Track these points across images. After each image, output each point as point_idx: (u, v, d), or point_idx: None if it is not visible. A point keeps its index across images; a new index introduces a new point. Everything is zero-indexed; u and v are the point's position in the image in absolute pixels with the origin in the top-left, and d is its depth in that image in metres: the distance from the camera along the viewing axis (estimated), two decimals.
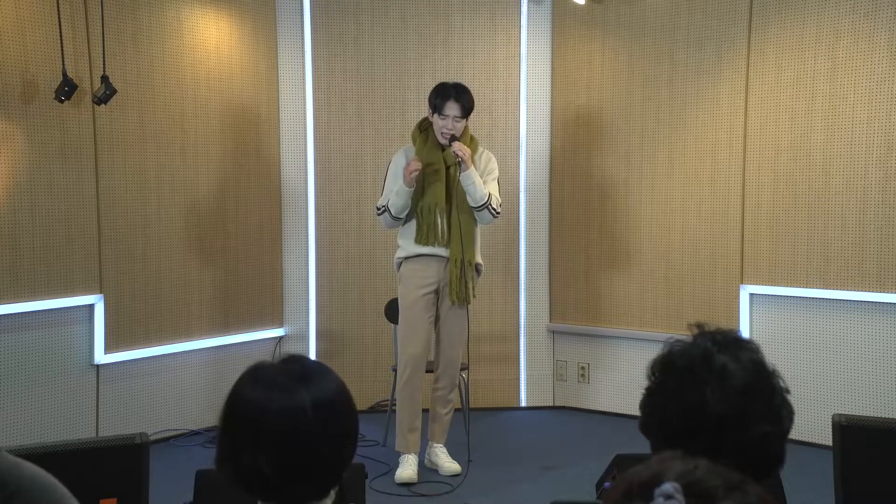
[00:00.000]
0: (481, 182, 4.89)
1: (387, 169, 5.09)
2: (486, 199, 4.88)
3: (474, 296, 5.03)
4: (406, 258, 5.02)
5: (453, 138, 4.86)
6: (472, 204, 4.89)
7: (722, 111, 5.75)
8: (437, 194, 4.92)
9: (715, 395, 1.54)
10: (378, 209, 5.04)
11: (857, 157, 5.28)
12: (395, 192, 4.89)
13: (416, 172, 4.83)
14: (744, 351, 1.59)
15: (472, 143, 4.98)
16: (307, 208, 6.27)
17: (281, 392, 1.59)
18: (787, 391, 1.60)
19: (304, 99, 6.25)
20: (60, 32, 4.96)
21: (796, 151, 5.48)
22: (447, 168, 4.92)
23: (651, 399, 1.62)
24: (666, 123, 5.98)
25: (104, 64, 5.12)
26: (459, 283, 4.91)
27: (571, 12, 6.26)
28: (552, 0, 6.34)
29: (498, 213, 4.97)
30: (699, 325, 1.64)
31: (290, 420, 1.58)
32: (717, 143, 5.78)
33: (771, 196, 5.58)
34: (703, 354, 1.58)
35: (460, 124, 4.90)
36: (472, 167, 4.86)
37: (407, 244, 5.01)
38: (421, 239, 4.95)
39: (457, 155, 4.81)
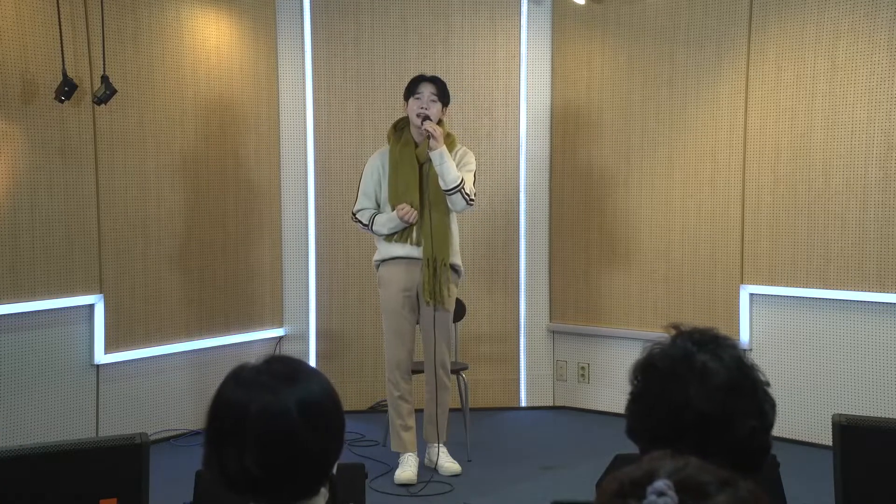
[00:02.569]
0: (453, 163, 4.83)
1: (362, 172, 5.09)
2: (458, 182, 4.82)
3: (449, 296, 4.98)
4: (383, 261, 5.01)
5: (426, 118, 4.81)
6: (444, 187, 4.82)
7: (722, 111, 5.75)
8: (411, 192, 4.89)
9: (698, 394, 1.55)
10: (354, 215, 5.03)
11: (857, 157, 5.28)
12: (387, 224, 4.90)
13: (409, 216, 4.83)
14: (723, 348, 1.60)
15: (449, 139, 4.93)
16: (307, 208, 6.27)
17: (263, 392, 1.60)
18: (768, 384, 1.61)
19: (304, 99, 6.25)
20: (60, 32, 4.96)
21: (796, 151, 5.48)
22: (420, 166, 4.91)
23: (635, 403, 1.63)
24: (666, 123, 5.98)
25: (104, 64, 5.12)
26: (433, 282, 4.89)
27: (571, 12, 6.26)
28: (552, 0, 6.34)
29: (472, 200, 4.91)
30: (676, 326, 1.65)
31: (273, 420, 1.58)
32: (717, 143, 5.78)
33: (771, 196, 5.58)
34: (683, 355, 1.59)
35: (436, 106, 4.87)
36: (444, 146, 4.81)
37: (383, 245, 5.00)
38: (396, 236, 4.94)
39: (426, 131, 4.78)
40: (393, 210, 4.92)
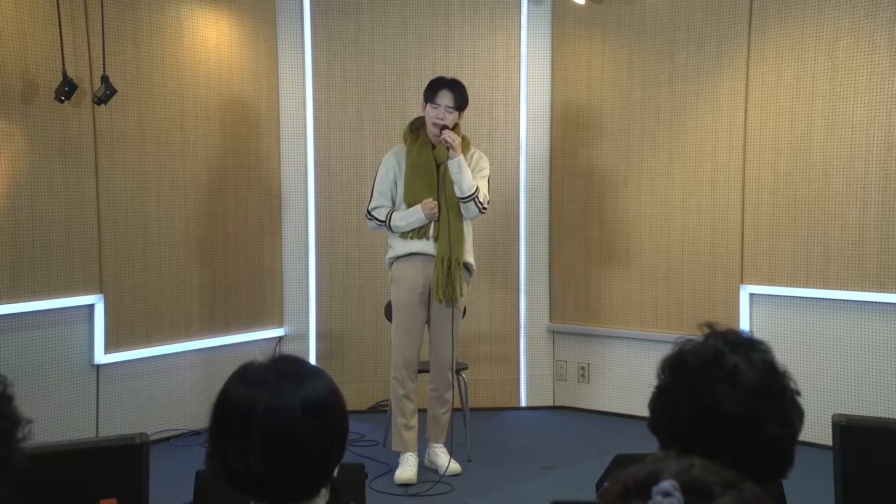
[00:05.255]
0: (469, 172, 4.89)
1: (376, 171, 5.11)
2: (473, 191, 4.88)
3: (462, 295, 5.00)
4: (397, 258, 5.03)
5: (444, 128, 4.87)
6: (459, 195, 4.87)
7: (722, 111, 5.75)
8: (428, 192, 4.93)
9: (726, 395, 1.54)
10: (368, 214, 5.05)
11: (857, 157, 5.28)
12: (408, 218, 4.92)
13: (436, 209, 4.88)
14: (755, 352, 1.59)
15: (464, 143, 4.98)
16: (307, 208, 6.27)
17: (269, 391, 1.60)
18: (798, 393, 1.60)
19: (304, 99, 6.25)
20: (60, 32, 4.96)
21: (796, 151, 5.48)
22: (437, 166, 4.94)
23: (661, 398, 1.62)
24: (666, 123, 5.98)
25: (104, 64, 5.12)
26: (446, 281, 4.91)
27: (571, 12, 6.26)
28: (552, 0, 6.34)
29: (485, 208, 4.97)
30: (710, 325, 1.64)
31: (278, 419, 1.58)
32: (717, 143, 5.78)
33: (771, 196, 5.58)
34: (714, 354, 1.58)
35: (452, 116, 4.91)
36: (462, 155, 4.86)
37: (397, 243, 5.03)
38: (412, 233, 4.96)
39: (445, 141, 4.82)
40: (408, 208, 4.95)
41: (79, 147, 5.17)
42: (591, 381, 6.35)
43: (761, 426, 1.54)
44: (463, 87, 4.99)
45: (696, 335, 1.64)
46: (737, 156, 5.70)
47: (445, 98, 4.90)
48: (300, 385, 1.61)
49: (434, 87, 4.94)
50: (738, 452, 1.48)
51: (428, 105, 4.92)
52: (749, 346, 1.60)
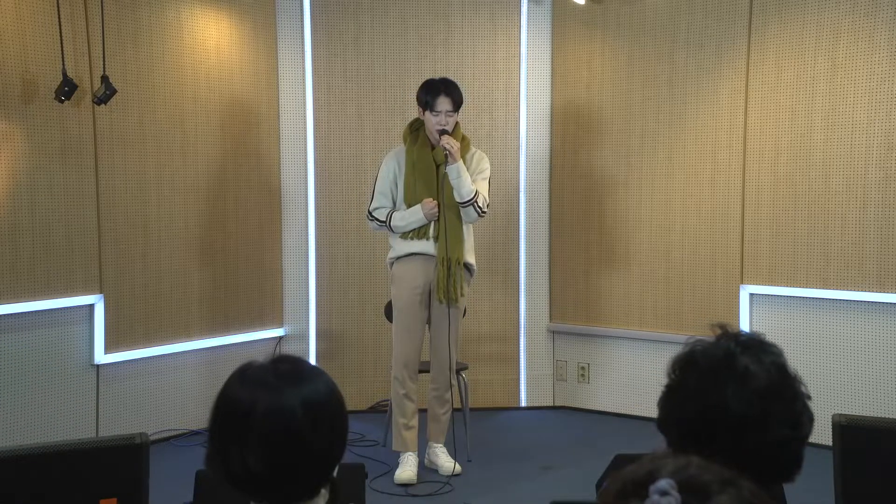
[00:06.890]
0: (468, 177, 4.90)
1: (377, 171, 5.11)
2: (472, 196, 4.88)
3: (462, 295, 5.01)
4: (398, 258, 5.04)
5: (444, 133, 4.88)
6: (458, 199, 4.88)
7: (722, 111, 5.75)
8: (428, 193, 4.94)
9: (736, 396, 1.54)
10: (369, 215, 5.06)
11: (857, 157, 5.28)
12: (408, 218, 4.93)
13: (436, 209, 4.89)
14: (767, 354, 1.59)
15: (464, 143, 4.99)
16: (307, 208, 6.27)
17: (269, 391, 1.60)
18: (809, 397, 1.60)
19: (304, 99, 6.25)
20: (60, 32, 4.96)
21: (796, 151, 5.48)
22: (436, 167, 4.94)
23: (670, 397, 1.62)
24: (666, 123, 5.98)
25: (104, 64, 5.12)
26: (446, 282, 4.91)
27: (571, 12, 6.26)
28: (552, 0, 6.34)
29: (484, 212, 4.97)
30: (722, 326, 1.64)
31: (278, 419, 1.58)
32: (717, 143, 5.78)
33: (771, 196, 5.58)
34: (725, 355, 1.58)
35: (453, 118, 4.92)
36: (461, 161, 4.87)
37: (397, 243, 5.04)
38: (412, 233, 4.96)
39: (444, 147, 4.82)
40: (407, 207, 4.96)
41: (79, 147, 5.17)
42: (591, 381, 6.35)
43: (770, 428, 1.53)
44: (456, 86, 4.98)
45: (707, 335, 1.64)
46: (737, 156, 5.70)
47: (445, 104, 4.90)
48: (300, 385, 1.61)
49: (430, 94, 4.92)
50: (747, 454, 1.48)
51: (427, 112, 4.92)
52: (760, 348, 1.60)
